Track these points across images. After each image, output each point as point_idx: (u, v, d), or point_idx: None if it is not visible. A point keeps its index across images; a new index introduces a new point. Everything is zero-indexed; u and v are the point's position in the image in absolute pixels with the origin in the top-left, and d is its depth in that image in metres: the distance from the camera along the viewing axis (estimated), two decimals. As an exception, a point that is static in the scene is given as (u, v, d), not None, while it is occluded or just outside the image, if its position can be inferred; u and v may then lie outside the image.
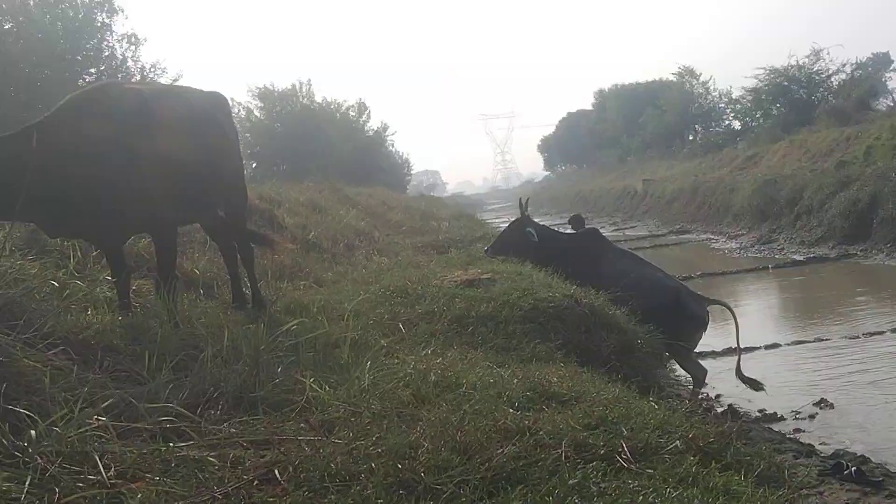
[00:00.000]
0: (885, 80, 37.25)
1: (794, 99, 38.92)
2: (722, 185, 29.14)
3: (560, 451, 3.11)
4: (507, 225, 10.78)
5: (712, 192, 29.36)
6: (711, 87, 50.90)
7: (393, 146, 44.48)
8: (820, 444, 6.40)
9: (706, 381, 8.42)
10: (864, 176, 19.76)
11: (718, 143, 42.52)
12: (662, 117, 51.06)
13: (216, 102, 6.76)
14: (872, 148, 23.76)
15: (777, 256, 19.09)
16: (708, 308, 9.47)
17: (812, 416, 7.08)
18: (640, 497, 2.65)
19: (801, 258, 18.10)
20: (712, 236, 25.23)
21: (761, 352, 9.60)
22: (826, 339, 9.77)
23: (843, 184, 20.28)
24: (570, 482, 2.84)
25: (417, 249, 13.32)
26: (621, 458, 3.07)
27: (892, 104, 32.95)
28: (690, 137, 50.47)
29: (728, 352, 9.45)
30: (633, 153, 54.56)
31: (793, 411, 7.23)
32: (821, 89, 38.61)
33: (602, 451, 3.13)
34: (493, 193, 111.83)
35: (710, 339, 10.09)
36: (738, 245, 22.46)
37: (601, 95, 64.28)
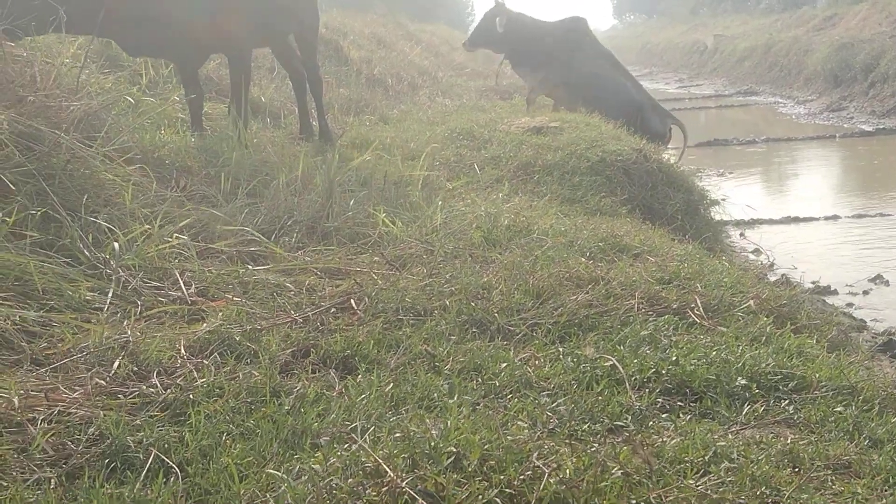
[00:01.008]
0: None
1: (886, -43, 36.79)
2: (796, 46, 27.98)
3: (633, 301, 3.13)
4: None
5: (785, 53, 28.25)
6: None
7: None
8: (872, 320, 6.33)
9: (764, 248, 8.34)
10: (949, 45, 18.86)
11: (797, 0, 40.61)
12: (741, -33, 48.72)
13: None
14: (961, 15, 22.58)
15: (845, 126, 18.47)
16: (671, 125, 9.72)
17: (866, 292, 6.97)
18: (714, 352, 2.67)
19: (871, 129, 17.45)
20: (780, 100, 24.42)
21: (820, 222, 9.39)
22: (888, 215, 9.51)
23: (925, 53, 19.37)
24: (643, 333, 2.87)
25: (480, 93, 13.15)
26: (694, 313, 3.09)
27: None
28: (769, -9, 48.26)
29: (784, 220, 9.29)
30: (706, 4, 52.37)
31: (847, 285, 7.12)
32: (915, -53, 36.39)
33: (675, 306, 3.15)
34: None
35: (768, 207, 9.99)
36: (806, 111, 21.73)
37: (679, -60, 61.20)
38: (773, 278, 7.40)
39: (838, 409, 2.37)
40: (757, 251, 8.18)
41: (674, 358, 2.64)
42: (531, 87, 10.63)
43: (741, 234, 8.94)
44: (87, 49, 5.02)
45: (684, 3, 55.12)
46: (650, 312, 3.10)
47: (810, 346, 2.85)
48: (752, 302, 3.19)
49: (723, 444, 2.16)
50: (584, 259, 3.64)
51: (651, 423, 2.32)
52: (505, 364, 2.64)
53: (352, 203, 4.46)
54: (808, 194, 11.53)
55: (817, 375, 2.55)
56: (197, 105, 5.81)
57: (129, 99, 5.41)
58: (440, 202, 4.59)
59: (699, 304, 3.12)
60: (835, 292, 7.00)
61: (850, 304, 6.80)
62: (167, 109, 6.06)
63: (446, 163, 6.37)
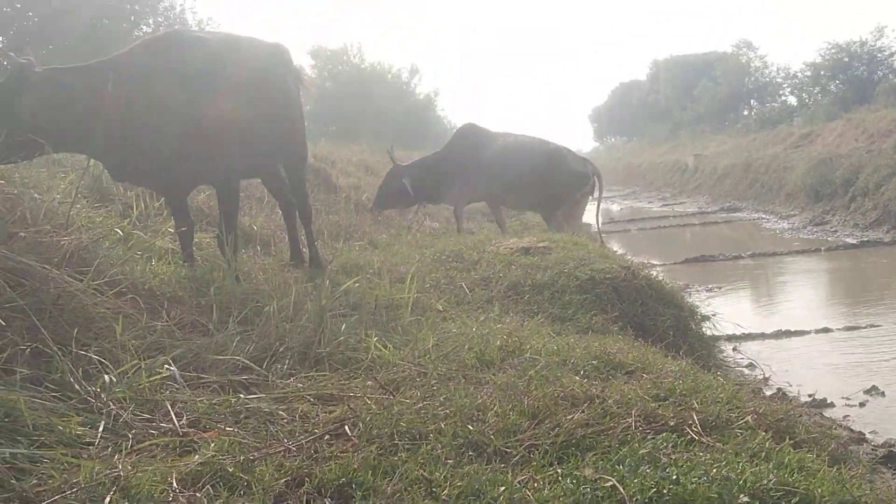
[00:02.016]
0: (949, 60, 36.21)
1: (853, 76, 37.91)
2: (775, 163, 28.61)
3: (630, 420, 3.10)
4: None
5: (765, 170, 28.86)
6: (769, 61, 49.98)
7: (443, 111, 44.36)
8: (870, 432, 6.26)
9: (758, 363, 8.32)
10: (924, 159, 19.32)
11: (773, 118, 41.62)
12: (717, 90, 50.15)
13: (278, 54, 6.75)
14: (933, 130, 23.22)
15: (830, 239, 18.70)
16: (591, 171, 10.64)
17: (862, 404, 6.92)
18: (714, 470, 2.63)
19: (855, 241, 17.68)
20: (764, 215, 24.81)
21: (811, 336, 9.39)
22: (878, 326, 9.52)
23: (901, 166, 19.81)
24: (641, 451, 2.83)
25: (468, 216, 13.32)
26: (692, 430, 3.05)
27: (955, 86, 32.08)
28: (745, 112, 49.54)
29: (778, 334, 9.30)
30: (685, 126, 53.73)
31: (843, 397, 7.07)
32: (882, 67, 37.64)
33: (672, 423, 3.11)
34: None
35: (759, 321, 10.02)
36: (790, 225, 22.07)
37: (655, 66, 63.28)
38: (768, 392, 7.35)
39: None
40: (751, 365, 8.17)
41: (674, 476, 2.60)
42: (454, 205, 10.99)
43: (734, 349, 8.94)
44: (77, 185, 5.08)
45: (663, 125, 56.63)
46: (648, 430, 3.06)
47: (811, 460, 2.81)
48: (749, 417, 3.16)
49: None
50: (578, 377, 3.62)
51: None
52: (503, 487, 2.59)
53: (343, 328, 4.45)
54: (798, 307, 11.58)
55: (819, 490, 2.52)
56: (187, 236, 5.87)
57: (119, 232, 5.45)
58: (431, 324, 4.59)
59: (696, 421, 3.10)
60: (831, 405, 6.94)
61: (846, 417, 6.73)
62: (158, 241, 6.12)
63: (436, 285, 6.41)
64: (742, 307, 11.66)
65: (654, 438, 2.98)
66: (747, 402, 3.39)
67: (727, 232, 22.62)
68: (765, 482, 2.55)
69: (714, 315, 10.32)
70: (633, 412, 3.16)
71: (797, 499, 2.50)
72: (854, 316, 10.51)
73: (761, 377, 7.91)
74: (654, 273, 7.29)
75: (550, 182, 10.57)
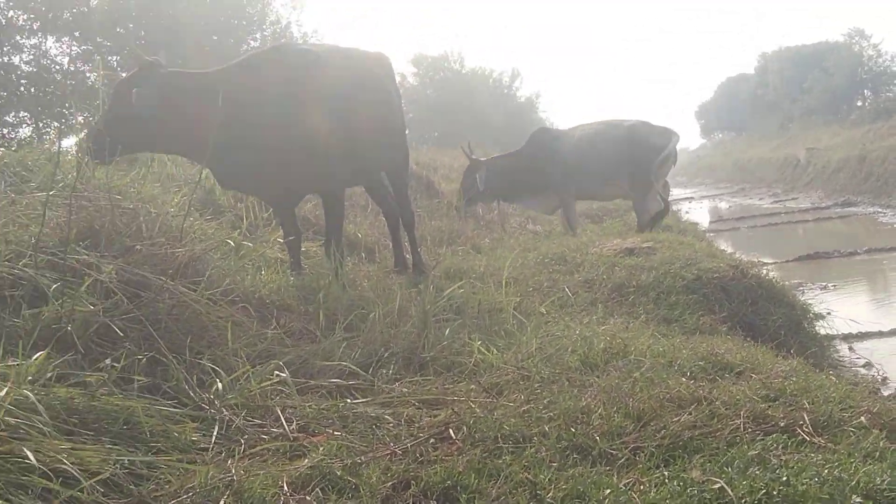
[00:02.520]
0: None
1: (975, 60, 36.31)
2: (892, 155, 27.48)
3: (738, 421, 3.04)
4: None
5: (882, 162, 27.76)
6: (883, 50, 48.12)
7: (544, 112, 44.13)
8: None
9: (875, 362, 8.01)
10: None
11: (889, 109, 40.00)
12: (829, 81, 48.56)
13: (381, 63, 6.87)
14: None
15: (952, 232, 17.91)
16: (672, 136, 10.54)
17: None
18: (826, 470, 2.56)
19: (982, 232, 16.89)
20: (880, 209, 23.87)
21: (931, 334, 8.98)
22: None
23: None
24: (750, 453, 2.77)
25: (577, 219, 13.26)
26: (802, 430, 2.97)
27: None
28: (859, 103, 47.85)
29: (894, 332, 8.93)
30: (795, 120, 52.18)
31: (970, 399, 6.74)
32: None
33: (782, 424, 3.03)
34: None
35: (876, 319, 9.65)
36: (909, 219, 21.22)
37: (764, 58, 61.67)
38: (886, 392, 7.08)
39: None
40: (868, 364, 7.88)
41: (784, 478, 2.54)
42: (561, 206, 10.90)
43: (850, 348, 8.64)
44: (190, 198, 5.27)
45: (772, 119, 55.07)
46: (757, 432, 2.99)
47: (931, 461, 2.70)
48: (863, 417, 3.06)
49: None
50: (684, 379, 3.56)
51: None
52: (609, 490, 2.58)
53: (447, 332, 4.50)
54: (911, 303, 11.13)
55: (941, 492, 2.42)
56: (295, 245, 6.01)
57: (231, 243, 5.62)
58: (534, 328, 4.59)
59: (807, 421, 3.01)
60: (955, 404, 6.63)
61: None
62: (267, 251, 6.28)
63: (540, 288, 6.39)
64: (858, 305, 11.23)
65: (763, 439, 2.92)
66: (861, 402, 3.28)
67: (842, 227, 21.86)
68: (878, 482, 2.46)
69: (829, 314, 10.07)
70: (741, 413, 3.09)
71: (915, 501, 2.41)
72: (980, 312, 10.05)
73: (879, 377, 7.63)
74: (765, 271, 7.07)
75: (638, 160, 10.39)
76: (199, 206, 6.54)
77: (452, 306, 5.18)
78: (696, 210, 29.84)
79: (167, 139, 5.55)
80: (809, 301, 10.89)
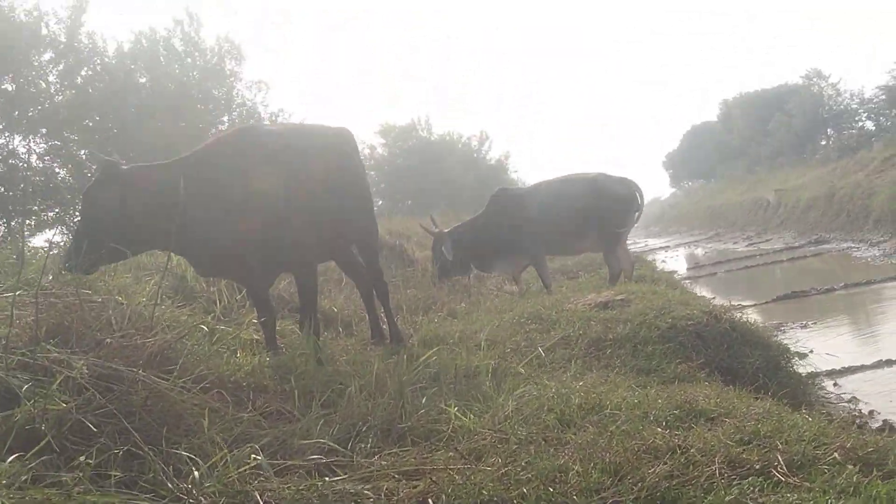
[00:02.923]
0: None
1: (932, 94, 37.10)
2: (859, 191, 27.91)
3: (713, 467, 3.06)
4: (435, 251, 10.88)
5: (850, 199, 28.17)
6: (842, 88, 49.11)
7: (516, 172, 44.41)
8: None
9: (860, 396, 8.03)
10: None
11: (852, 146, 40.70)
12: (791, 123, 49.37)
13: (344, 137, 6.95)
14: None
15: (925, 261, 18.11)
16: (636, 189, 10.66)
17: (976, 431, 6.61)
18: (802, 511, 2.58)
19: (952, 260, 17.09)
20: (853, 244, 24.14)
21: (912, 364, 9.03)
22: None
23: None
24: (727, 498, 2.79)
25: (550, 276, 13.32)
26: (778, 471, 3.00)
27: None
28: (822, 142, 48.61)
29: (878, 364, 8.98)
30: (762, 162, 52.94)
31: (955, 426, 6.76)
32: (958, 81, 36.68)
33: (757, 466, 3.06)
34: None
35: (858, 353, 9.71)
36: (880, 252, 21.40)
37: (726, 105, 62.77)
38: (874, 425, 7.10)
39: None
40: (853, 399, 7.91)
41: (759, 521, 2.56)
42: (514, 272, 10.97)
43: (834, 384, 8.68)
44: (159, 285, 5.28)
45: (739, 163, 55.85)
46: (733, 476, 3.02)
47: (906, 493, 2.72)
48: (836, 453, 3.09)
49: None
50: (659, 429, 3.58)
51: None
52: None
53: (424, 401, 4.50)
54: (890, 335, 11.21)
55: (914, 522, 2.44)
56: (270, 325, 6.01)
57: (204, 328, 5.61)
58: (510, 390, 4.61)
59: (782, 462, 3.03)
60: (942, 433, 6.66)
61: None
62: (243, 333, 6.28)
63: (517, 348, 6.41)
64: (839, 340, 11.31)
65: (739, 483, 2.94)
66: (835, 438, 3.31)
67: (817, 265, 22.05)
68: (853, 519, 2.48)
69: (811, 352, 10.13)
70: (716, 459, 3.12)
71: (890, 533, 2.43)
72: (959, 338, 10.13)
73: (865, 411, 7.65)
74: (739, 314, 7.14)
75: (604, 212, 10.45)
76: (170, 292, 6.55)
77: (430, 374, 5.19)
78: (672, 259, 30.02)
79: (142, 237, 5.53)
80: (788, 340, 11.00)
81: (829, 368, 9.07)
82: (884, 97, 41.13)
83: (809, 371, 9.06)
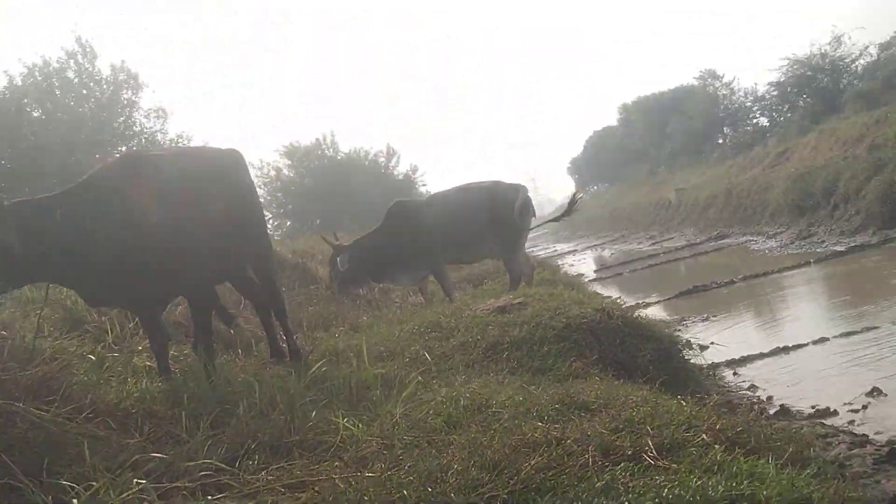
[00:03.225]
0: (913, 59, 36.55)
1: (819, 88, 38.32)
2: (756, 185, 28.86)
3: (587, 456, 3.13)
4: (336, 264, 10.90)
5: (746, 194, 29.09)
6: (735, 87, 50.66)
7: (424, 185, 44.37)
8: (875, 433, 6.19)
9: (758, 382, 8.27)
10: (898, 157, 19.46)
11: (748, 142, 41.98)
12: (689, 124, 50.66)
13: (233, 158, 6.89)
14: (904, 128, 23.47)
15: (818, 250, 18.72)
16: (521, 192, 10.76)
17: (865, 407, 6.85)
18: (665, 490, 2.67)
19: (843, 248, 17.70)
20: (751, 238, 24.91)
21: (809, 348, 9.32)
22: (875, 328, 9.45)
23: (877, 168, 19.87)
24: (598, 485, 2.86)
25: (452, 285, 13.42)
26: (648, 455, 3.09)
27: (920, 81, 32.33)
28: (720, 141, 49.99)
29: (776, 352, 9.26)
30: (663, 164, 54.24)
31: (845, 403, 7.00)
32: (846, 75, 38.04)
33: (629, 452, 3.15)
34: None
35: (757, 342, 10.00)
36: (777, 243, 22.14)
37: (625, 109, 64.10)
38: (772, 411, 7.33)
39: (785, 522, 2.35)
40: (752, 387, 8.15)
41: (626, 503, 2.63)
42: (414, 283, 11.06)
43: (734, 373, 8.92)
44: (38, 316, 5.17)
45: (642, 166, 57.09)
46: (606, 463, 3.10)
47: (762, 466, 2.84)
48: (704, 435, 3.20)
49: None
50: (540, 423, 3.65)
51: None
52: (462, 543, 2.62)
53: (314, 414, 4.49)
54: (794, 322, 11.56)
55: (766, 493, 2.54)
56: (162, 350, 5.92)
57: (91, 357, 5.51)
58: (399, 397, 4.64)
59: (652, 446, 3.13)
60: (835, 413, 6.89)
61: (851, 422, 6.68)
62: (135, 360, 6.17)
63: (415, 357, 6.44)
64: (739, 331, 11.64)
65: (612, 470, 3.02)
66: (705, 421, 3.42)
67: (718, 259, 22.67)
68: (711, 493, 2.58)
69: (712, 343, 10.41)
70: (590, 448, 3.19)
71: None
72: (850, 321, 10.47)
73: (764, 397, 7.89)
74: (631, 311, 7.31)
75: (501, 219, 10.58)
76: (59, 323, 6.40)
77: (323, 388, 5.19)
78: (580, 262, 30.52)
79: (26, 270, 5.39)
80: (690, 334, 11.29)
81: (729, 358, 9.34)
82: (776, 94, 42.51)
83: (710, 362, 9.35)
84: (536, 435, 3.44)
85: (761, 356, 9.35)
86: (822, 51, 38.50)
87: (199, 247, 5.95)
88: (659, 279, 20.54)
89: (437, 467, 3.29)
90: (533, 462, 3.15)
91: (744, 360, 9.20)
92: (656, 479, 2.83)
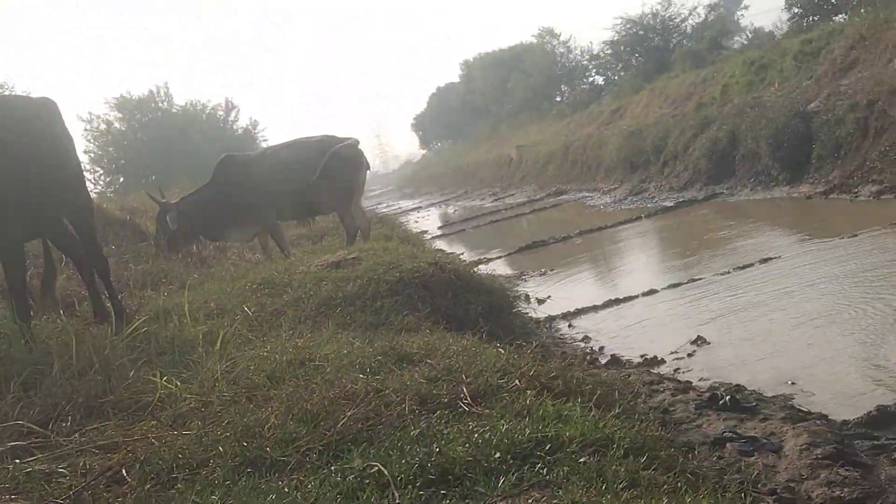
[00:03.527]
0: (738, 19, 38.22)
1: (651, 47, 39.58)
2: (591, 142, 29.65)
3: (404, 405, 3.17)
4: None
5: (583, 151, 29.86)
6: (572, 46, 51.81)
7: (265, 140, 43.30)
8: (699, 380, 6.48)
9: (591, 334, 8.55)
10: (723, 115, 20.28)
11: (585, 100, 43.04)
12: (528, 81, 51.48)
13: (46, 108, 6.53)
14: (728, 86, 24.50)
15: (649, 206, 19.49)
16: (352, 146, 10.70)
17: (690, 355, 7.16)
18: (476, 435, 2.73)
19: (672, 203, 18.50)
20: (587, 193, 25.67)
21: (640, 299, 9.69)
22: (700, 279, 9.91)
23: (703, 125, 20.73)
24: (413, 433, 2.90)
25: (292, 242, 13.23)
26: (463, 402, 3.15)
27: (745, 42, 33.90)
28: (558, 98, 51.07)
29: (607, 303, 9.59)
30: (505, 121, 54.98)
31: (672, 352, 7.31)
32: (676, 34, 39.48)
33: (445, 400, 3.20)
34: (374, 179, 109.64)
35: (591, 295, 10.33)
36: (612, 199, 22.90)
37: (467, 66, 64.61)
38: (603, 360, 7.60)
39: (583, 459, 2.45)
40: (586, 338, 8.43)
41: (438, 450, 2.68)
42: (247, 239, 10.92)
43: (569, 325, 9.20)
44: None
45: (484, 123, 57.70)
46: (423, 412, 3.14)
47: (569, 408, 2.94)
48: (518, 381, 3.28)
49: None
50: (362, 375, 3.66)
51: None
52: (273, 496, 2.60)
53: (132, 374, 4.36)
54: (626, 275, 12.00)
55: (569, 433, 2.64)
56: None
57: None
58: (221, 354, 4.55)
59: (467, 394, 3.19)
60: (662, 361, 7.18)
61: (676, 370, 6.99)
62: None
63: (246, 315, 6.33)
64: (575, 284, 12.00)
65: (427, 418, 3.06)
66: (519, 368, 3.51)
67: (556, 215, 23.26)
68: (518, 437, 2.65)
69: (549, 297, 10.69)
70: (407, 397, 3.23)
71: (549, 445, 2.61)
72: (677, 273, 10.95)
73: (597, 348, 8.16)
74: (463, 264, 7.42)
75: (334, 173, 10.46)
76: None
77: (147, 347, 5.03)
78: (424, 219, 30.73)
79: None
80: (529, 287, 11.57)
81: (565, 311, 9.63)
82: (610, 52, 43.70)
83: (546, 315, 9.61)
84: (357, 387, 3.45)
85: (595, 308, 9.67)
86: (654, 10, 39.75)
87: (6, 198, 5.63)
88: (500, 235, 20.92)
89: (255, 422, 3.25)
90: (350, 413, 3.16)
91: (579, 313, 9.50)
92: (469, 425, 2.89)
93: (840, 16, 24.77)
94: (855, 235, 10.34)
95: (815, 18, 26.53)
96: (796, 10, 28.12)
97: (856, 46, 19.24)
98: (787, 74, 21.81)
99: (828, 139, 15.40)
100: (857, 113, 14.97)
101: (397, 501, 2.40)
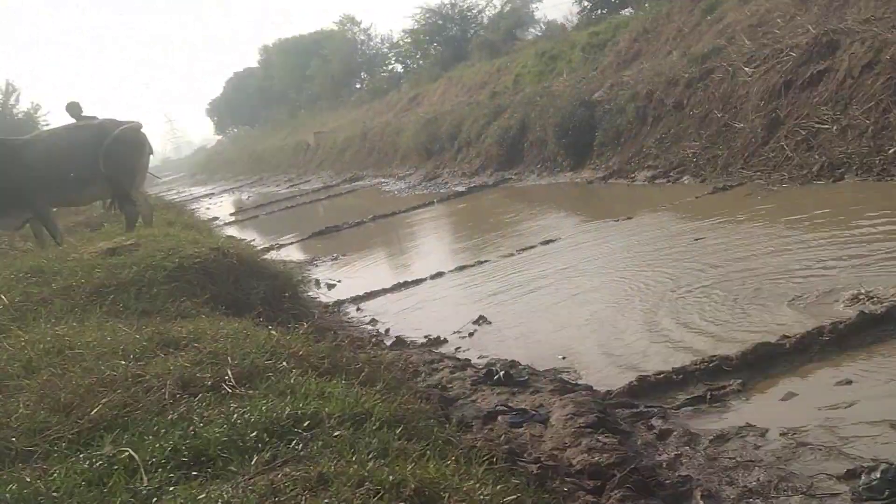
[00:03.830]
0: (533, 11, 39.58)
1: (449, 37, 40.50)
2: (388, 129, 29.96)
3: (164, 390, 3.09)
4: None
5: (380, 137, 30.11)
6: (373, 33, 52.08)
7: (48, 124, 40.83)
8: (478, 357, 6.68)
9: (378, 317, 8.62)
10: (514, 103, 21.00)
11: (384, 87, 43.44)
12: (328, 68, 51.33)
13: None
14: (521, 76, 25.46)
15: (442, 191, 19.90)
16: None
17: (471, 334, 7.39)
18: (235, 416, 2.70)
19: (464, 189, 18.98)
20: (383, 179, 25.93)
21: (427, 282, 9.90)
22: (485, 262, 10.23)
23: (496, 113, 21.43)
24: (171, 417, 2.83)
25: (68, 230, 12.54)
26: (226, 385, 3.11)
27: (539, 33, 35.10)
28: (358, 85, 51.20)
29: (396, 287, 9.73)
30: (303, 107, 54.56)
31: (455, 332, 7.51)
32: (473, 25, 40.51)
33: (209, 383, 3.15)
34: (165, 165, 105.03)
35: (381, 279, 10.45)
36: (406, 185, 23.24)
37: (266, 51, 63.62)
38: (389, 342, 7.68)
39: (338, 433, 2.48)
40: (373, 321, 8.50)
41: (193, 432, 2.63)
42: (16, 226, 10.26)
43: (358, 309, 9.25)
44: None
45: (282, 109, 57.01)
46: (185, 395, 3.07)
47: (333, 386, 2.96)
48: (286, 362, 3.28)
49: (234, 498, 2.18)
50: (123, 362, 3.54)
51: (162, 498, 2.28)
52: (14, 486, 2.47)
53: None
54: (416, 259, 12.25)
55: (328, 409, 2.66)
56: None
57: None
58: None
59: (231, 376, 3.15)
60: (445, 341, 7.36)
61: (458, 348, 7.17)
62: None
63: (11, 304, 5.96)
64: (366, 269, 12.12)
65: (189, 401, 2.99)
66: (288, 349, 3.50)
67: (351, 201, 23.34)
68: (277, 415, 2.65)
69: (339, 282, 10.72)
70: (167, 382, 3.15)
71: (307, 422, 2.63)
72: (464, 256, 11.26)
73: (383, 330, 8.25)
74: (246, 248, 7.29)
75: (112, 157, 9.96)
76: None
77: None
78: (216, 205, 30.04)
79: None
80: (320, 272, 11.55)
81: (354, 294, 9.69)
82: (410, 41, 44.22)
83: (336, 299, 9.63)
84: (116, 373, 3.32)
85: (383, 292, 9.79)
86: (453, 1, 40.58)
87: None
88: (295, 221, 20.78)
89: (2, 413, 3.07)
90: (105, 401, 3.04)
91: (367, 296, 9.61)
92: (231, 406, 2.85)
93: (627, 10, 26.14)
94: (630, 218, 10.99)
95: (604, 12, 27.93)
96: (586, 3, 29.52)
97: (639, 39, 20.45)
98: (575, 65, 22.87)
99: (609, 127, 16.29)
100: (637, 102, 15.93)
101: (145, 485, 2.34)
